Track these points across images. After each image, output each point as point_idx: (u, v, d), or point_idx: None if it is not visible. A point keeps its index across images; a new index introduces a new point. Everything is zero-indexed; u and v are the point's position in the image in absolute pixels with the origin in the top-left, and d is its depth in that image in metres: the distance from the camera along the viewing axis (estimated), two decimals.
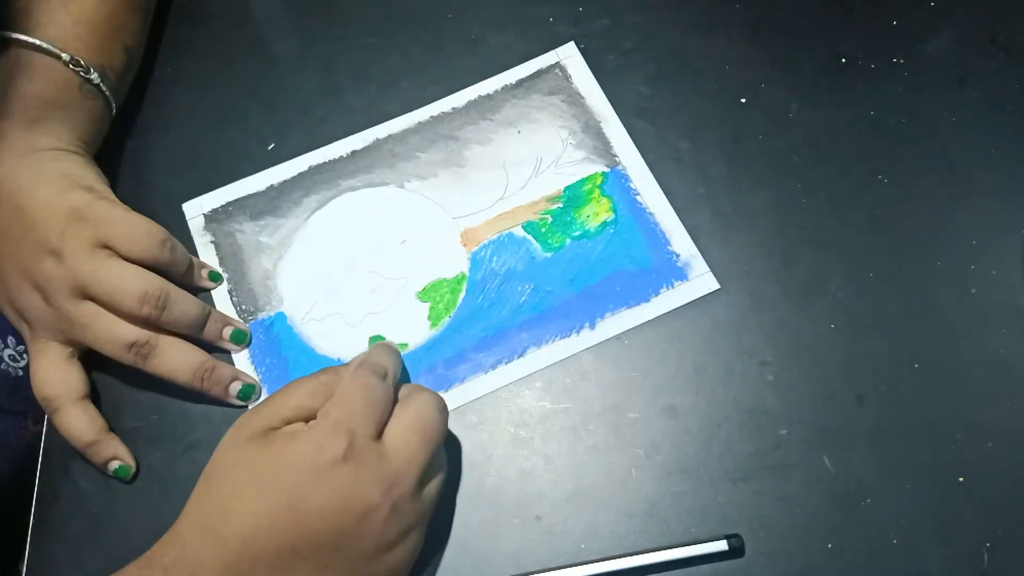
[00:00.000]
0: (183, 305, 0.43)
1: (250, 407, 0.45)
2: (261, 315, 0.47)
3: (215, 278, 0.48)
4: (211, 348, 0.45)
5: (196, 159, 0.51)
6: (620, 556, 0.40)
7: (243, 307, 0.47)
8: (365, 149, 0.51)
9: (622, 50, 0.52)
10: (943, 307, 0.44)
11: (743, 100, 0.50)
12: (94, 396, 0.44)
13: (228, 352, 0.46)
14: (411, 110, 0.51)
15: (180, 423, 0.45)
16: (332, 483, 0.35)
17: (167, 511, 0.39)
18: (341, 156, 0.50)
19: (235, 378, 0.44)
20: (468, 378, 0.45)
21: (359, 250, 0.48)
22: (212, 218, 0.49)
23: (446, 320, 0.46)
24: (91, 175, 0.46)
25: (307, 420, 0.38)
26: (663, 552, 0.39)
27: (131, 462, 0.43)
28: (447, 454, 0.41)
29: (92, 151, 0.48)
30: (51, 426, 0.45)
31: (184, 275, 0.46)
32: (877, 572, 0.39)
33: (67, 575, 0.42)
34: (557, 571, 0.39)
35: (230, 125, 0.52)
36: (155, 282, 0.43)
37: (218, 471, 0.37)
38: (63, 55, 0.45)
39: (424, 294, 0.47)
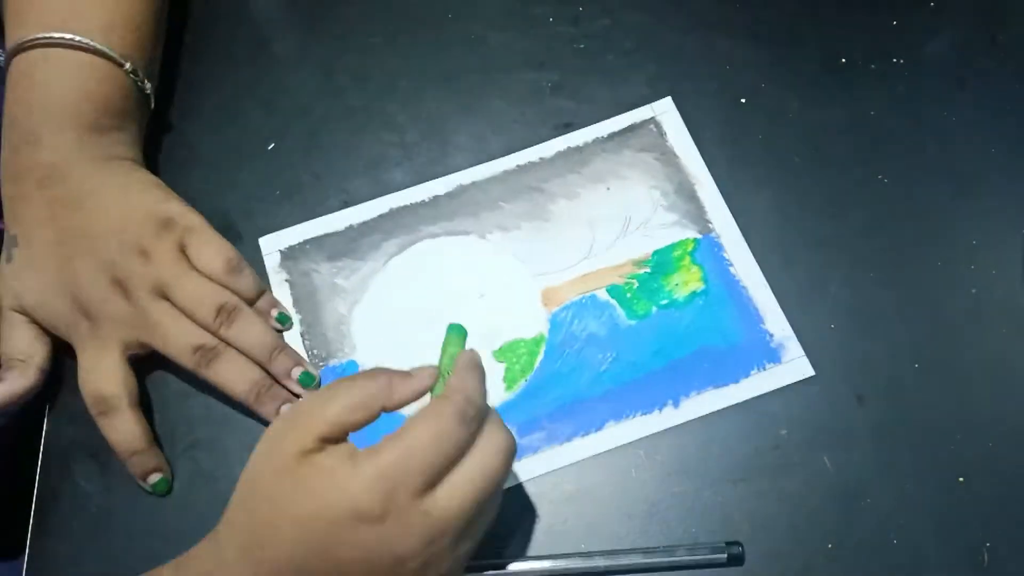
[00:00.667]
0: (256, 327, 0.43)
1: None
2: (333, 361, 0.45)
3: (283, 320, 0.46)
4: None
5: (196, 159, 0.51)
6: (618, 552, 0.40)
7: (314, 351, 0.46)
8: (448, 195, 0.49)
9: (622, 50, 0.52)
10: (943, 307, 0.44)
11: (743, 100, 0.50)
12: None
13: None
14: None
15: (180, 423, 0.44)
16: (365, 539, 0.33)
17: (167, 511, 0.39)
18: (423, 200, 0.49)
19: (286, 399, 0.43)
20: (542, 448, 0.42)
21: (436, 301, 0.46)
22: (288, 255, 0.48)
23: (522, 383, 0.44)
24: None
25: (345, 436, 0.35)
26: (661, 555, 0.40)
27: (170, 476, 0.43)
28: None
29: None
30: (51, 426, 0.45)
31: (250, 305, 0.45)
32: (877, 572, 0.39)
33: (67, 575, 0.42)
34: (552, 560, 0.40)
35: (230, 125, 0.52)
36: (232, 299, 0.43)
37: (256, 495, 0.35)
38: (126, 64, 0.45)
39: (500, 353, 0.45)
